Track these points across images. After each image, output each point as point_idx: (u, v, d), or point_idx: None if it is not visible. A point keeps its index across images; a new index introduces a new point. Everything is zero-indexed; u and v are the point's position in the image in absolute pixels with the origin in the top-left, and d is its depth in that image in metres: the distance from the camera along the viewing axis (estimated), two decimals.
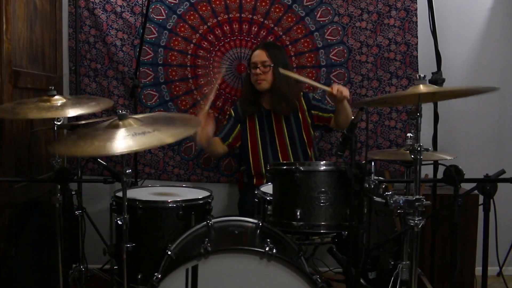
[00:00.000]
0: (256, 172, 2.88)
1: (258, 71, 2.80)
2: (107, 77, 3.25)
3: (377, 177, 1.87)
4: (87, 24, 3.21)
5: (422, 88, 1.81)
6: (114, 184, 2.25)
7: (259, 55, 2.82)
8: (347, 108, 2.69)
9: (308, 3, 3.22)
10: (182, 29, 3.23)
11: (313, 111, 2.88)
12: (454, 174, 1.96)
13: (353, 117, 1.88)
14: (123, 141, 1.77)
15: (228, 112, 3.03)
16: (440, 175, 2.44)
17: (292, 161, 2.83)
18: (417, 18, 3.20)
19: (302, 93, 2.92)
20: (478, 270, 2.20)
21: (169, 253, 2.00)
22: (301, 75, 3.07)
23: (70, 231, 2.51)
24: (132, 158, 3.15)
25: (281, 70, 2.72)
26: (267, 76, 2.80)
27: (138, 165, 3.22)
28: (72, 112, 2.17)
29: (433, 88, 1.86)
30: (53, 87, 2.31)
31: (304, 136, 2.87)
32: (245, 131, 2.91)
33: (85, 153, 1.99)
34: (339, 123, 2.79)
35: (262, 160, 2.86)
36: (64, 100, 2.22)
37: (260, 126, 2.90)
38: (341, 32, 3.23)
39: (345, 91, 2.61)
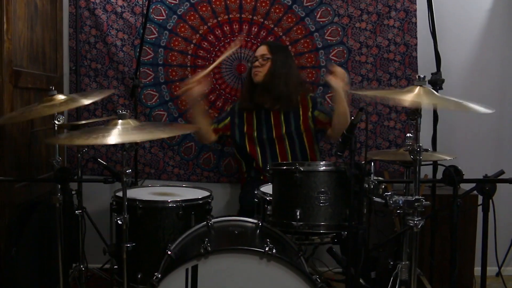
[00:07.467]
0: (260, 169, 2.86)
1: (257, 63, 2.83)
2: (107, 77, 3.25)
3: (376, 178, 1.88)
4: (88, 24, 3.21)
5: (423, 99, 1.80)
6: (114, 184, 2.25)
7: (261, 50, 2.87)
8: (345, 110, 2.64)
9: (308, 4, 3.23)
10: (182, 29, 3.24)
11: (316, 112, 2.83)
12: (453, 174, 1.97)
13: (352, 118, 1.88)
14: (117, 135, 1.84)
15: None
16: (439, 175, 2.44)
17: (290, 160, 2.83)
18: (416, 19, 3.21)
19: (310, 96, 2.89)
20: (477, 270, 2.21)
21: (169, 253, 2.00)
22: (300, 75, 3.07)
23: (70, 230, 2.51)
24: (132, 158, 3.16)
25: None
26: (264, 68, 2.82)
27: (138, 165, 3.22)
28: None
29: (433, 99, 1.86)
30: (53, 87, 2.31)
31: (304, 136, 2.84)
32: (241, 128, 2.89)
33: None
34: (334, 127, 2.75)
35: (261, 159, 2.85)
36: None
37: (258, 125, 2.87)
38: (341, 33, 3.24)
39: (340, 78, 2.60)
